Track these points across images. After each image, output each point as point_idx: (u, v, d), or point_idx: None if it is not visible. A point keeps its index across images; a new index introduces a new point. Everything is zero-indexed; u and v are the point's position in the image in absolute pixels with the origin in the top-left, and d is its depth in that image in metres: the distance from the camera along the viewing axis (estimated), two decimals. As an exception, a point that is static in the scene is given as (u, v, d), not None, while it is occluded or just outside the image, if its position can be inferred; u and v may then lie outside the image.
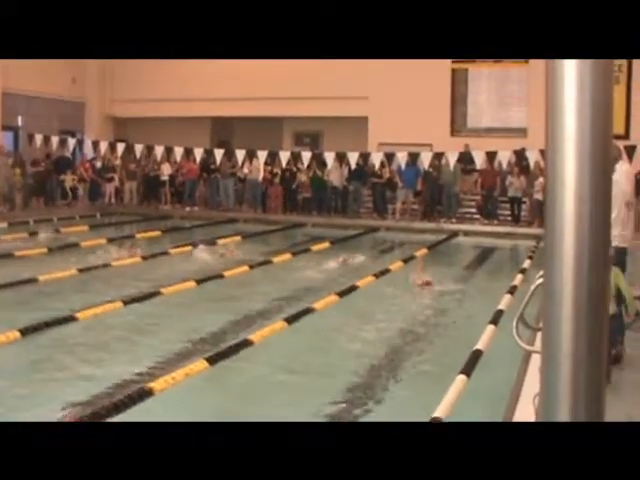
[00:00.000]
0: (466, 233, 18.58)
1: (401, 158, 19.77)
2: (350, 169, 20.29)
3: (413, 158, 19.82)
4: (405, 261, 13.11)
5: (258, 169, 21.20)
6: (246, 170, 21.46)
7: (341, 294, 9.92)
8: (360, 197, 20.90)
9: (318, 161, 20.72)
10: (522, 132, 20.53)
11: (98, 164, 22.41)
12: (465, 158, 19.87)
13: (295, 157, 20.78)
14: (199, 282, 10.82)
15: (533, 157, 18.59)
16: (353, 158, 19.95)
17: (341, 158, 20.26)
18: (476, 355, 6.89)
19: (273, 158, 20.75)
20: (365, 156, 20.36)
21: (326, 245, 15.10)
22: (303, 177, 21.25)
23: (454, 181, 19.96)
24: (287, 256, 13.64)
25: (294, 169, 21.08)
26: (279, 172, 21.19)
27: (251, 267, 12.24)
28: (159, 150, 21.36)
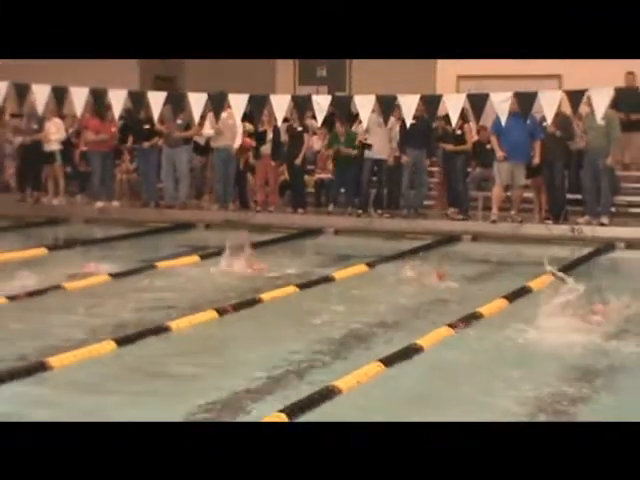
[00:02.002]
0: (630, 244, 13.59)
1: (500, 104, 14.01)
2: (404, 128, 15.17)
3: (525, 103, 13.94)
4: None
5: (232, 129, 16.08)
6: (209, 131, 16.45)
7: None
8: (423, 178, 15.82)
9: (344, 113, 15.70)
10: None
11: None
12: (626, 99, 14.29)
13: (301, 106, 15.35)
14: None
15: None
16: (409, 107, 14.35)
17: (387, 108, 14.80)
18: None
19: (259, 109, 15.47)
20: (431, 103, 14.66)
21: (360, 270, 11.52)
22: (317, 143, 16.90)
23: (604, 146, 14.35)
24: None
25: (299, 129, 16.28)
26: (270, 134, 16.34)
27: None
28: (41, 94, 15.82)
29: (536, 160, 14.57)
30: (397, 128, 15.56)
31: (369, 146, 15.27)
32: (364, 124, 14.92)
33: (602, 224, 14.20)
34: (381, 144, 15.57)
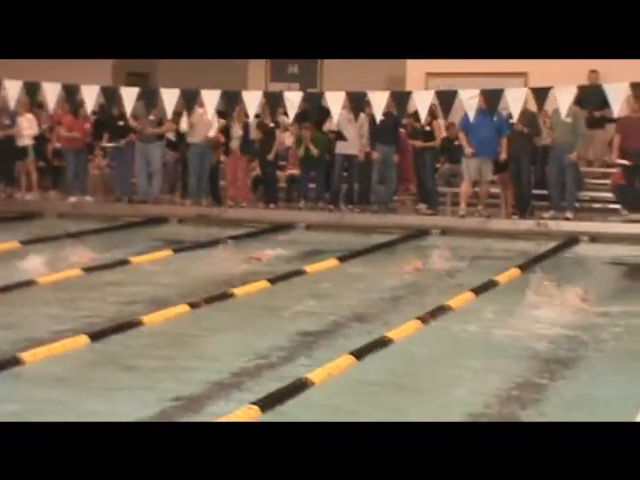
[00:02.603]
0: (594, 238, 13.80)
1: (469, 101, 14.22)
2: (374, 124, 15.05)
3: (492, 100, 14.12)
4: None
5: (206, 125, 15.92)
6: (184, 126, 16.25)
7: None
8: (392, 174, 15.69)
9: (315, 110, 15.70)
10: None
11: None
12: (589, 97, 14.30)
13: (272, 103, 15.50)
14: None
15: None
16: (378, 104, 14.48)
17: (357, 104, 14.90)
18: None
19: (231, 105, 15.53)
20: (401, 99, 14.79)
21: (331, 264, 11.58)
22: (288, 139, 16.94)
23: (571, 142, 14.49)
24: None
25: (271, 125, 16.23)
26: (241, 131, 16.34)
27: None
28: (13, 89, 15.69)
29: (503, 156, 14.61)
30: (367, 124, 15.42)
31: (342, 137, 15.31)
32: (334, 120, 14.83)
33: (567, 219, 14.24)
34: (352, 140, 15.45)
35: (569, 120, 14.00)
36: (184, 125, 16.11)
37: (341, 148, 15.48)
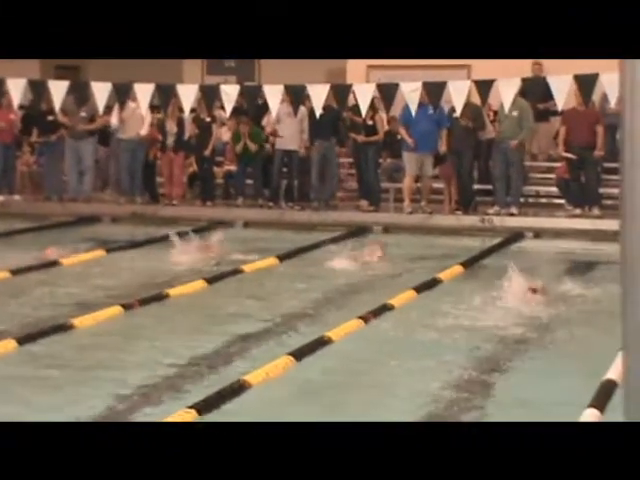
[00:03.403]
0: (537, 233, 13.90)
1: (410, 94, 14.12)
2: (313, 118, 14.89)
3: (434, 93, 14.08)
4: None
5: (138, 120, 15.90)
6: (114, 121, 16.07)
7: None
8: (333, 170, 15.76)
9: (253, 104, 15.47)
10: None
11: None
12: (533, 89, 14.49)
13: (209, 97, 15.26)
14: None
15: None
16: (318, 97, 14.33)
17: (296, 98, 14.76)
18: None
19: (166, 99, 15.21)
20: (341, 92, 14.68)
21: (270, 263, 11.60)
22: (225, 134, 16.82)
23: (518, 135, 14.56)
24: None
25: (207, 119, 15.99)
26: (175, 126, 16.16)
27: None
28: None
29: (442, 149, 14.69)
30: (307, 119, 15.34)
31: (277, 134, 15.25)
32: (273, 114, 14.74)
33: (511, 214, 14.36)
34: (291, 135, 15.43)
35: (515, 113, 14.12)
36: (114, 120, 15.95)
37: (281, 143, 15.47)
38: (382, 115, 15.25)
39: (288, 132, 15.43)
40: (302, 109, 14.98)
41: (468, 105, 14.30)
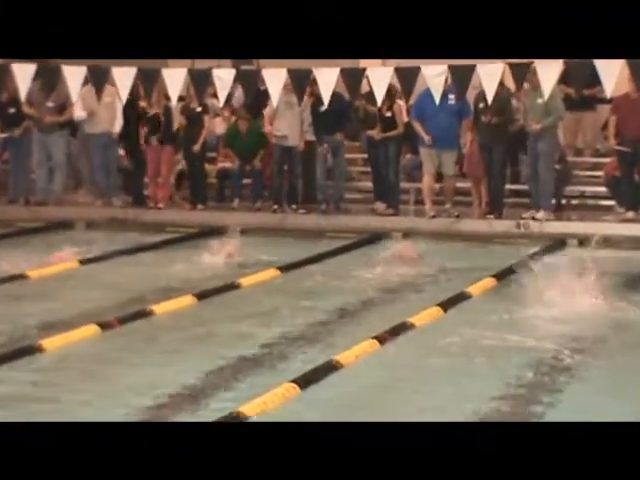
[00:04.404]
0: (582, 240, 13.60)
1: (434, 79, 14.06)
2: (316, 108, 15.29)
3: (461, 78, 13.97)
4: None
5: (111, 110, 16.21)
6: (78, 112, 16.31)
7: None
8: (342, 167, 16.02)
9: (251, 91, 15.36)
10: None
11: None
12: (578, 74, 14.19)
13: (199, 82, 15.26)
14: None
15: None
16: (327, 82, 14.36)
17: (300, 83, 14.78)
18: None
19: (149, 85, 15.23)
20: (353, 77, 14.64)
21: (270, 276, 11.87)
22: (219, 126, 17.33)
23: (547, 127, 14.62)
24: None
25: (198, 109, 16.26)
26: (162, 117, 16.34)
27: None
28: None
29: (466, 144, 14.89)
30: (309, 109, 15.58)
31: (276, 136, 15.54)
32: (274, 103, 14.81)
33: (534, 218, 14.23)
34: (290, 129, 15.68)
35: (540, 101, 14.22)
36: (79, 111, 16.05)
37: (279, 139, 15.66)
38: (401, 104, 15.42)
39: (287, 126, 15.62)
40: (304, 98, 15.11)
41: (495, 95, 14.08)
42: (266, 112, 15.94)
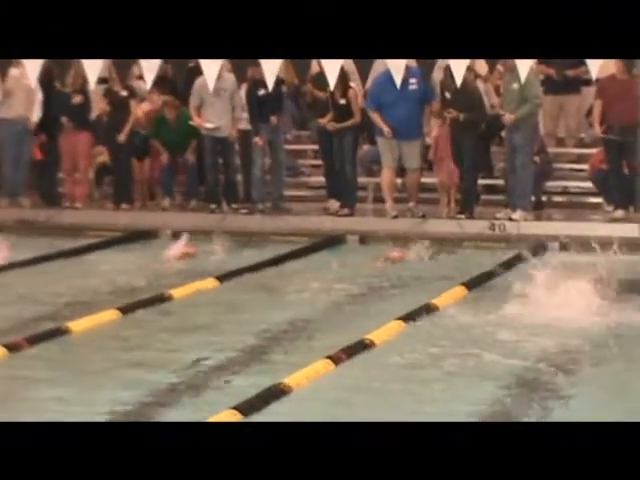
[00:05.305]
0: (564, 245, 13.79)
1: (394, 61, 13.67)
2: (253, 93, 15.38)
3: (424, 63, 13.37)
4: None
5: (27, 94, 16.08)
6: None
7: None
8: (280, 159, 16.06)
9: (182, 72, 14.68)
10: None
11: None
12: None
13: (123, 63, 14.38)
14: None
15: None
16: (269, 66, 13.66)
17: (239, 67, 14.15)
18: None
19: (64, 64, 14.55)
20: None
21: (206, 286, 11.94)
22: (141, 110, 17.13)
23: (522, 116, 14.64)
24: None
25: (123, 93, 16.23)
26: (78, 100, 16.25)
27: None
28: None
29: (431, 134, 14.90)
30: (242, 93, 15.50)
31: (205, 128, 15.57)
32: (210, 87, 14.47)
33: (510, 219, 14.22)
34: (220, 118, 15.54)
35: (516, 86, 14.13)
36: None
37: (210, 130, 15.52)
38: (356, 89, 15.33)
39: (216, 116, 15.51)
40: (231, 79, 14.87)
41: (461, 88, 13.74)
42: (191, 102, 15.81)
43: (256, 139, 15.48)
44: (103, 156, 16.21)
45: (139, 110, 16.29)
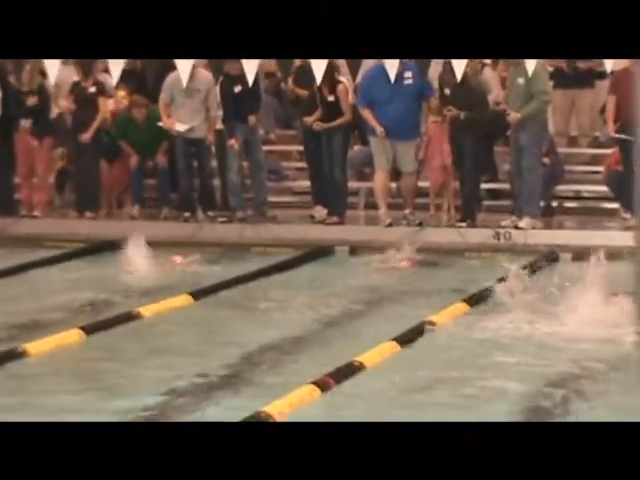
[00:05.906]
0: (578, 253, 13.62)
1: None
2: (228, 90, 15.40)
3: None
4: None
5: None
6: None
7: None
8: (259, 160, 15.97)
9: (153, 67, 16.51)
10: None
11: None
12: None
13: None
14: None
15: None
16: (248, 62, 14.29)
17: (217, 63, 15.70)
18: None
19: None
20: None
21: (179, 303, 11.96)
22: (109, 108, 17.22)
23: (528, 114, 14.58)
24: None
25: (91, 89, 16.46)
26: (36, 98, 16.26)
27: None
28: None
29: (427, 133, 14.84)
30: (216, 90, 15.42)
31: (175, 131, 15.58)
32: (184, 81, 14.65)
33: (517, 227, 14.20)
34: (193, 119, 15.46)
35: (521, 80, 14.11)
36: None
37: (182, 131, 15.46)
38: (347, 84, 15.34)
39: (188, 117, 15.47)
40: (206, 77, 15.02)
41: (462, 82, 14.06)
42: (161, 99, 15.74)
43: (231, 142, 15.40)
44: (63, 161, 16.13)
45: (107, 108, 16.23)
